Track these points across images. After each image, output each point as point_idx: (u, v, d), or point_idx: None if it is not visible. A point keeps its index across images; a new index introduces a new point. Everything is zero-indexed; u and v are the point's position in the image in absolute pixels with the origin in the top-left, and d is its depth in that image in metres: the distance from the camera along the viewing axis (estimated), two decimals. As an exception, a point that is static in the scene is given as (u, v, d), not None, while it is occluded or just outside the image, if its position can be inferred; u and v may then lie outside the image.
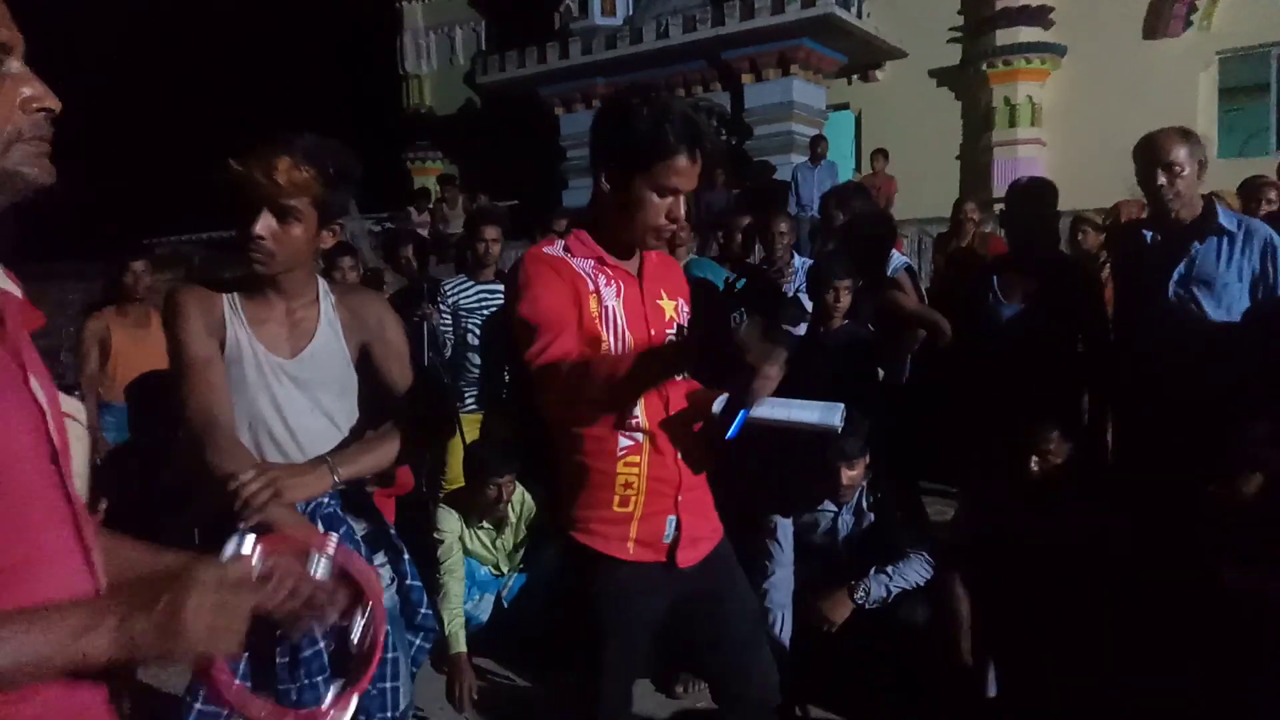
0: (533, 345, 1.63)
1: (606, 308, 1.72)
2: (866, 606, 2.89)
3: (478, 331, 4.35)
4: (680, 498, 1.78)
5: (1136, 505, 2.76)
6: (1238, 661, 2.29)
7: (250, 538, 1.02)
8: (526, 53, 14.44)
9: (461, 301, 4.36)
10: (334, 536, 1.16)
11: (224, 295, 1.74)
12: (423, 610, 1.96)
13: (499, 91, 15.03)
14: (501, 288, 4.38)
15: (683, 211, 1.72)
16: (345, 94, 18.18)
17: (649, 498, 1.74)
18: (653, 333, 1.78)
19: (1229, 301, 2.84)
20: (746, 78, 12.88)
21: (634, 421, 1.73)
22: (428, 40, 17.15)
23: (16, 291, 0.97)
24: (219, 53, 21.00)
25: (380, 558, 1.86)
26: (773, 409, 1.77)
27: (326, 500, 1.75)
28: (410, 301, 4.56)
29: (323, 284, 1.83)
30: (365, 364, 1.84)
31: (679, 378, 1.81)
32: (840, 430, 1.82)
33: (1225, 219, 2.86)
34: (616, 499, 1.73)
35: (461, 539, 3.55)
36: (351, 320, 1.82)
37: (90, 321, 4.19)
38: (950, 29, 12.54)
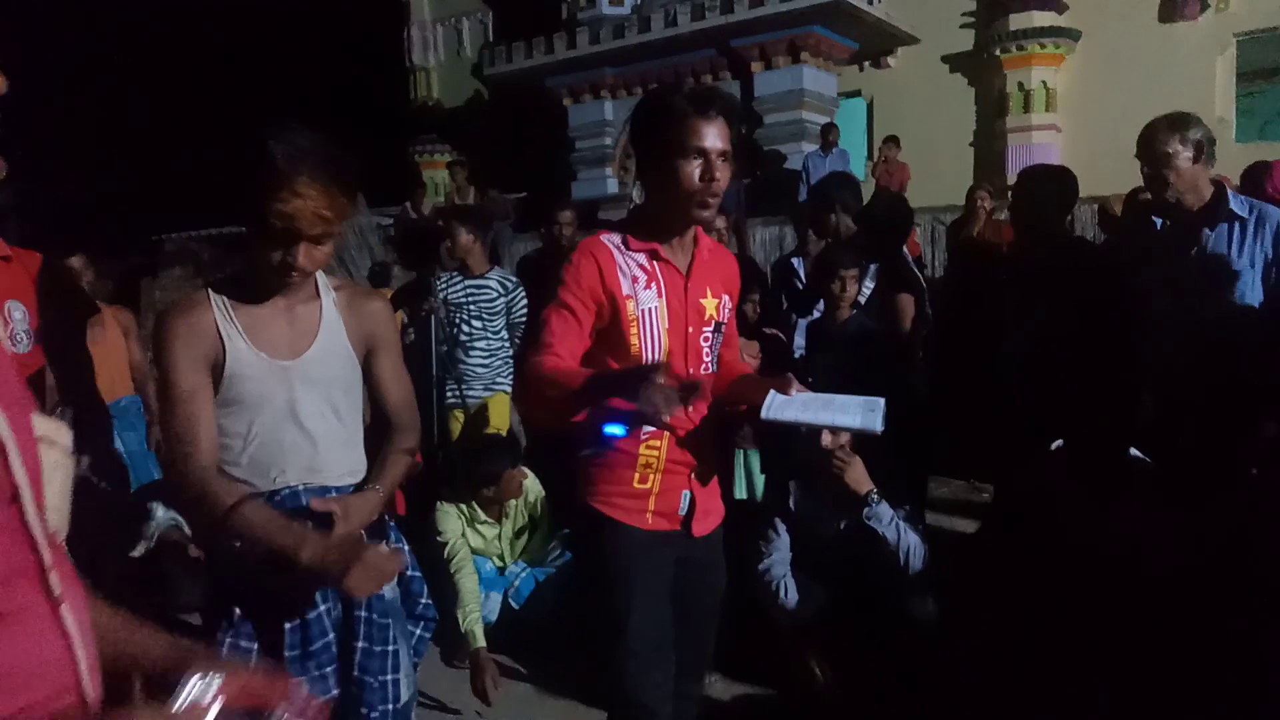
0: (534, 345, 1.74)
1: (644, 310, 1.81)
2: (866, 519, 2.85)
3: (466, 328, 4.35)
4: (694, 475, 1.91)
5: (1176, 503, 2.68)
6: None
7: (213, 682, 0.85)
8: (534, 44, 14.39)
9: (450, 296, 4.37)
10: (299, 692, 1.00)
11: (214, 310, 1.70)
12: (423, 600, 1.98)
13: (506, 83, 14.99)
14: (490, 283, 4.40)
15: (719, 173, 1.77)
16: (352, 87, 18.19)
17: (666, 476, 1.87)
18: (690, 331, 1.87)
19: (1242, 289, 2.78)
20: (756, 66, 12.76)
21: None
22: (434, 32, 17.11)
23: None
24: (225, 47, 21.04)
25: (381, 549, 1.85)
26: (806, 410, 1.84)
27: (333, 495, 1.75)
28: (417, 295, 4.58)
29: (321, 278, 1.81)
30: (366, 363, 1.86)
31: (703, 367, 1.91)
32: (882, 432, 1.83)
33: (1236, 204, 2.79)
34: (636, 476, 1.86)
35: (464, 536, 3.55)
36: (355, 322, 1.82)
37: None
38: (963, 14, 12.38)
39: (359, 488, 1.79)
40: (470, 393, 4.39)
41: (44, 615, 0.81)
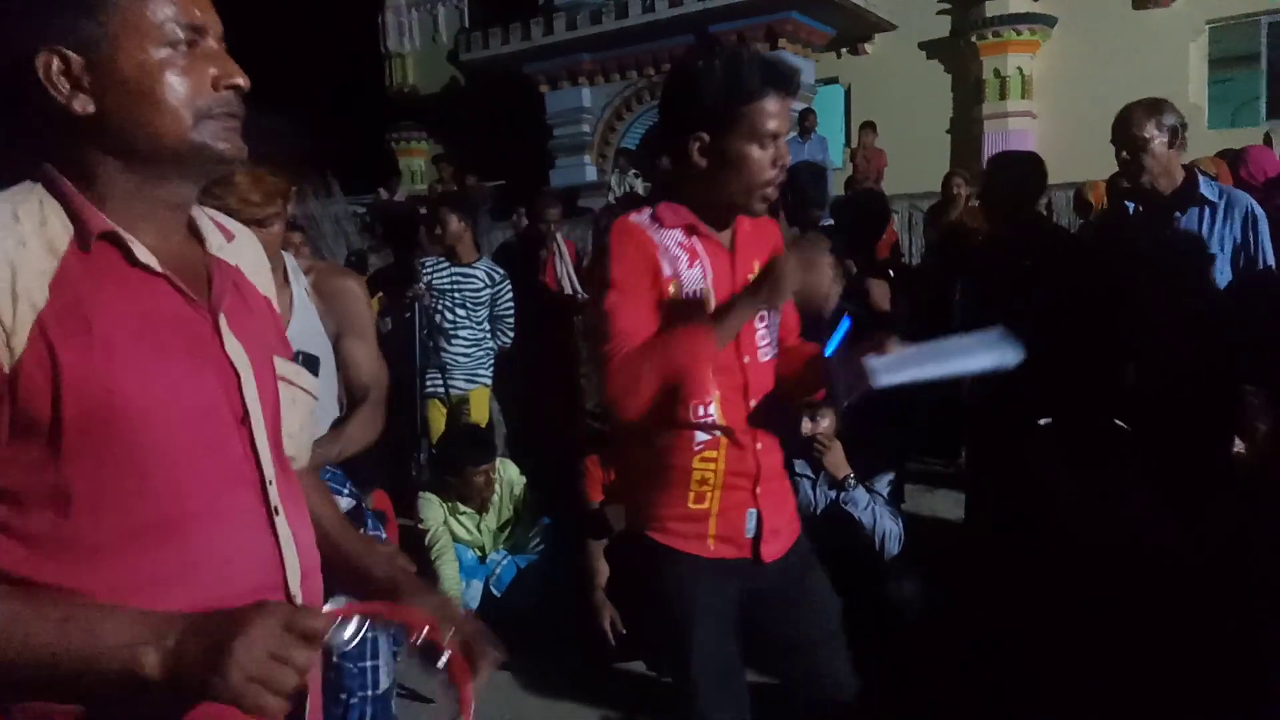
0: (608, 341, 1.54)
1: (688, 294, 1.61)
2: (843, 503, 2.85)
3: (450, 315, 4.32)
4: (759, 490, 1.68)
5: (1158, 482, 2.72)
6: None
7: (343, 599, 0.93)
8: (510, 29, 14.27)
9: (435, 282, 4.33)
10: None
11: None
12: None
13: (483, 69, 14.87)
14: (477, 273, 4.36)
15: (788, 157, 1.63)
16: (326, 74, 17.95)
17: (725, 492, 1.65)
18: None
19: (1212, 271, 2.82)
20: (734, 52, 12.73)
21: (710, 417, 1.63)
22: (410, 18, 16.92)
23: (241, 265, 1.02)
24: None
25: None
26: (923, 366, 1.54)
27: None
28: (399, 280, 4.56)
29: (290, 261, 1.80)
30: (337, 344, 1.85)
31: (760, 353, 1.70)
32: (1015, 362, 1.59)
33: (1207, 189, 2.83)
34: (691, 495, 1.65)
35: (446, 525, 3.55)
36: (327, 306, 1.82)
37: None
38: (939, 1, 12.42)
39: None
40: (452, 383, 4.36)
41: (260, 521, 0.94)
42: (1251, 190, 3.98)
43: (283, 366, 1.02)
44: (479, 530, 3.68)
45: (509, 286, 4.45)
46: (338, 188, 11.02)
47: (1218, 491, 2.49)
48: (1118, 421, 2.86)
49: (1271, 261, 2.85)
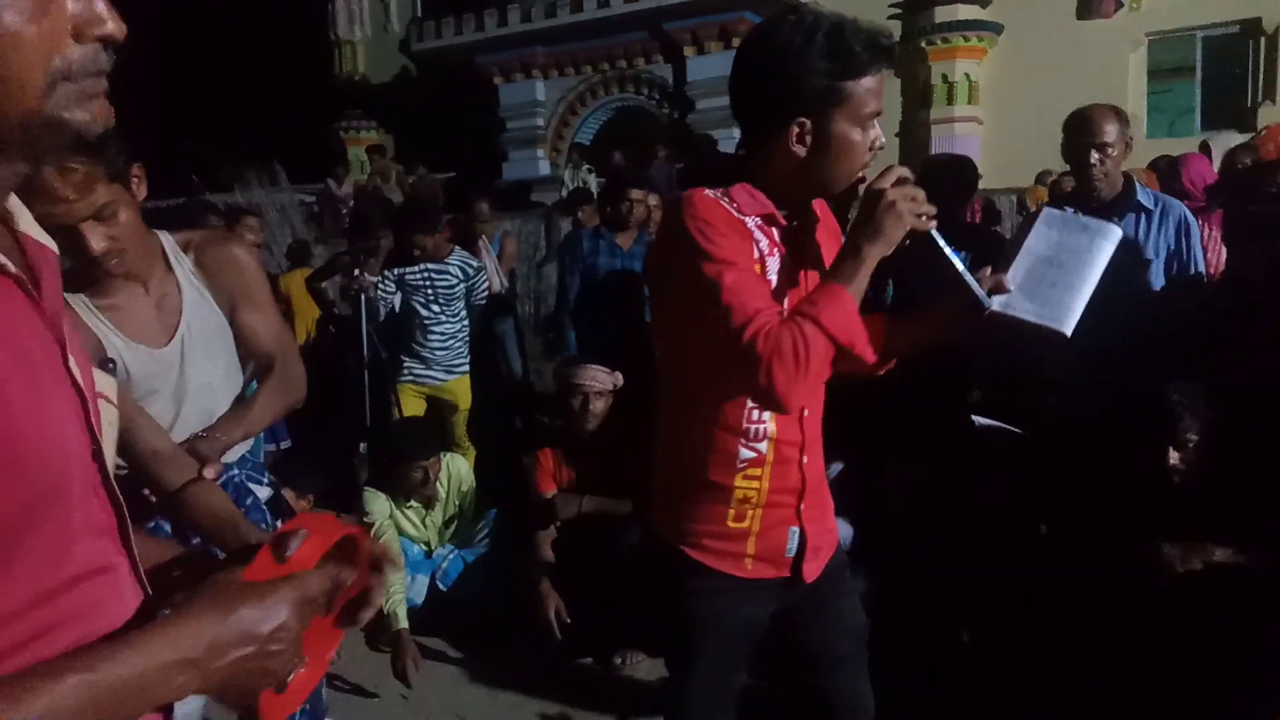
0: (736, 315, 1.31)
1: (769, 281, 1.42)
2: None
3: (424, 311, 4.31)
4: (803, 505, 1.55)
5: (1065, 473, 2.81)
6: (1177, 639, 2.33)
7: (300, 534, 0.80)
8: (464, 19, 14.16)
9: (406, 277, 4.32)
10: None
11: (78, 311, 1.60)
12: None
13: (435, 59, 14.71)
14: (451, 268, 4.33)
15: (883, 140, 1.44)
16: (273, 60, 17.57)
17: (768, 511, 1.52)
18: None
19: (1146, 277, 2.91)
20: (688, 50, 12.80)
21: (762, 429, 1.48)
22: (360, 5, 16.65)
23: (53, 246, 0.80)
24: (141, 18, 20.10)
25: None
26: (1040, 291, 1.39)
27: (235, 470, 1.72)
28: (342, 270, 4.54)
29: (167, 241, 1.71)
30: (231, 316, 1.76)
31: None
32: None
33: (1144, 196, 2.92)
34: (732, 513, 1.51)
35: (392, 518, 3.50)
36: (213, 281, 1.73)
37: None
38: (890, 4, 12.60)
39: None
40: (432, 375, 4.37)
41: (127, 573, 0.79)
42: (1192, 198, 4.12)
43: (101, 380, 0.84)
44: (424, 525, 3.65)
45: (484, 276, 4.50)
46: (284, 176, 10.82)
47: (1147, 497, 2.57)
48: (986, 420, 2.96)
49: (1203, 268, 2.95)
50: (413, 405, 4.37)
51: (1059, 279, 1.45)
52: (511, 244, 6.10)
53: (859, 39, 1.35)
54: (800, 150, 1.39)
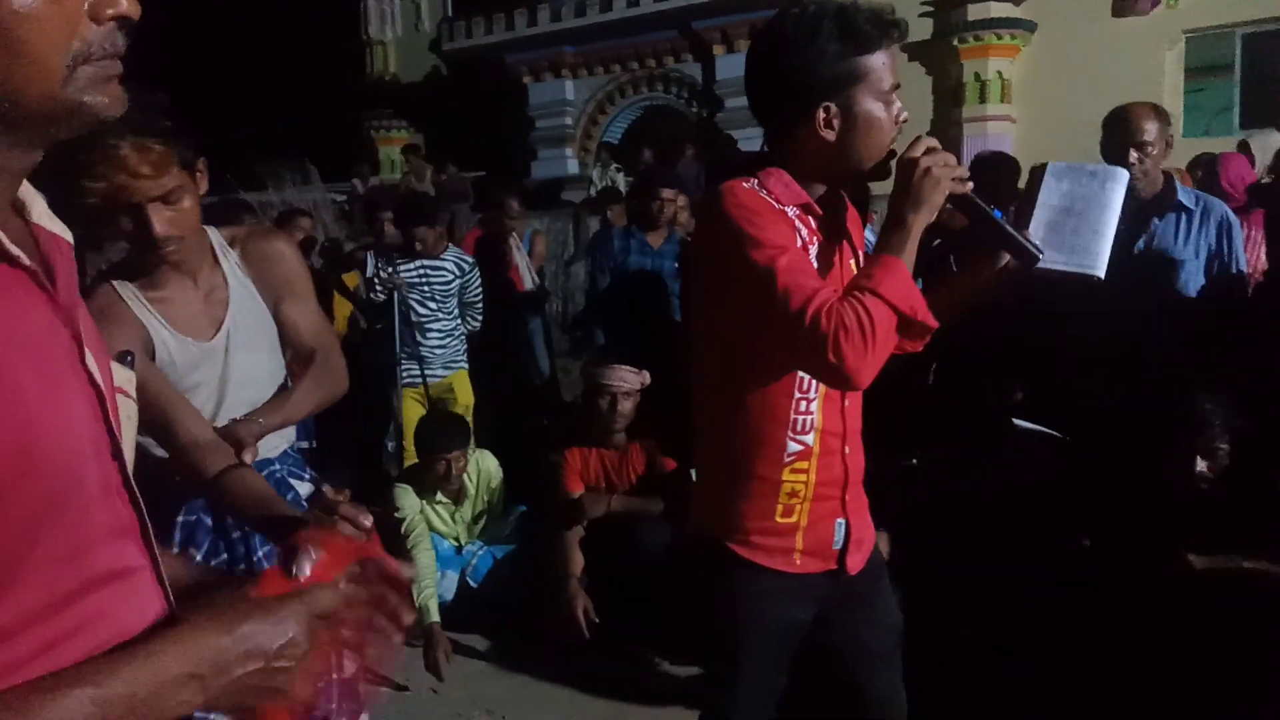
0: (795, 297, 1.30)
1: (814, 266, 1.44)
2: None
3: (419, 309, 4.32)
4: (848, 496, 1.56)
5: (1089, 479, 2.77)
6: (1201, 645, 2.29)
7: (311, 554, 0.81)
8: (494, 19, 14.22)
9: (404, 274, 4.32)
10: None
11: (125, 301, 1.63)
12: None
13: (465, 59, 14.78)
14: (446, 264, 4.35)
15: (905, 114, 1.46)
16: (307, 61, 17.76)
17: (815, 504, 1.53)
18: None
19: (1185, 277, 2.87)
20: (718, 49, 12.75)
21: (808, 421, 1.48)
22: (392, 5, 16.75)
23: (68, 236, 0.78)
24: (176, 18, 20.40)
25: None
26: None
27: (276, 465, 1.74)
28: (357, 266, 4.59)
29: (214, 236, 1.73)
30: (276, 310, 1.78)
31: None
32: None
33: (1184, 196, 2.87)
34: (780, 508, 1.52)
35: (423, 514, 3.53)
36: (258, 274, 1.75)
37: None
38: (922, 3, 12.48)
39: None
40: (430, 373, 4.38)
41: (148, 576, 0.78)
42: (1232, 198, 4.05)
43: (119, 374, 0.82)
44: (454, 520, 3.67)
45: (478, 274, 4.50)
46: (316, 175, 10.94)
47: (1173, 505, 2.54)
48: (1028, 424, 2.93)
49: (1245, 268, 2.90)
50: (414, 411, 4.36)
51: (1080, 226, 1.48)
52: (541, 242, 6.11)
53: (864, 17, 1.40)
54: (830, 135, 1.41)
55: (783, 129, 1.46)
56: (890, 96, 1.43)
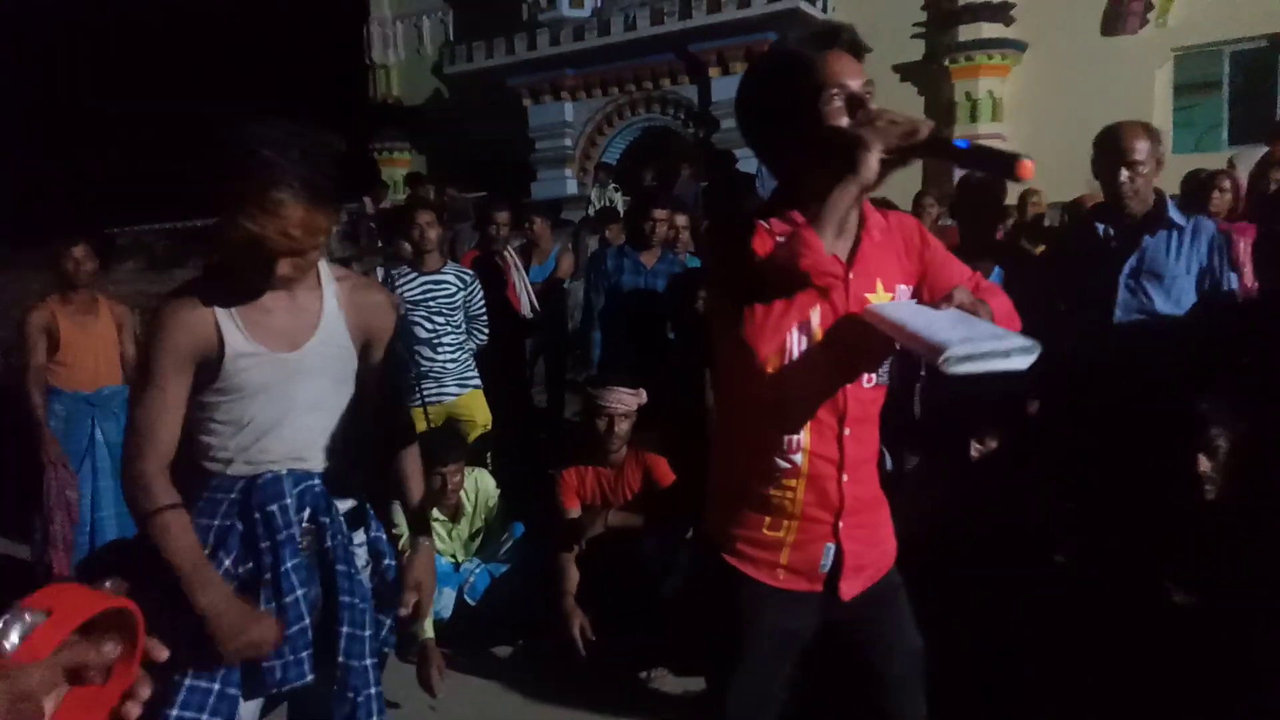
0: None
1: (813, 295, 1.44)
2: None
3: (427, 325, 4.28)
4: (841, 524, 1.56)
5: (1085, 497, 2.80)
6: (1185, 669, 2.30)
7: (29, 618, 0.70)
8: (494, 43, 14.37)
9: (406, 293, 4.28)
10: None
11: (215, 307, 1.65)
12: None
13: (467, 82, 14.93)
14: (447, 278, 4.32)
15: (866, 94, 1.47)
16: (311, 83, 17.92)
17: (804, 524, 1.55)
18: None
19: (1177, 294, 2.89)
20: (714, 71, 12.89)
21: (795, 441, 1.52)
22: (395, 30, 16.96)
23: None
24: (183, 39, 20.58)
25: (360, 536, 1.84)
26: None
27: (317, 481, 1.73)
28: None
29: (325, 269, 1.76)
30: (361, 355, 1.82)
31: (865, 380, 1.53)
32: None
33: (1175, 214, 2.91)
34: (768, 521, 1.55)
35: (420, 531, 3.54)
36: (355, 315, 1.78)
37: (33, 313, 4.08)
38: (914, 24, 12.63)
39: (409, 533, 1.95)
40: (445, 391, 4.28)
41: None
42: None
43: None
44: (451, 538, 3.69)
45: (479, 287, 4.42)
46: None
47: (1180, 505, 2.55)
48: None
49: (1235, 285, 2.94)
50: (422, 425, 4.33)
51: (969, 321, 1.33)
52: (567, 260, 5.81)
53: (802, 44, 1.47)
54: (828, 159, 1.43)
55: (791, 170, 1.54)
56: (831, 89, 1.44)
